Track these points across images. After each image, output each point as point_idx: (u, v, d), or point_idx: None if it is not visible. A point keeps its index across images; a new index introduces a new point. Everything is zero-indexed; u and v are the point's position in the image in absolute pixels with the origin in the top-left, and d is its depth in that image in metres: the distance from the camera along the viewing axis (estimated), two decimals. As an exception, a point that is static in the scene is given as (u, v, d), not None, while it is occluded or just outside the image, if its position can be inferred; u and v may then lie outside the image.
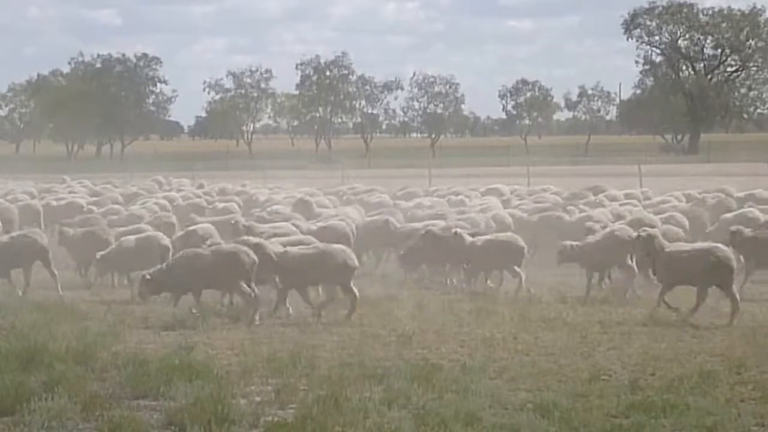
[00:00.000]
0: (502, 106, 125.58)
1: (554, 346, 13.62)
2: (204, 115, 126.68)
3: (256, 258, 15.78)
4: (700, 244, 17.01)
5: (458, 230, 18.97)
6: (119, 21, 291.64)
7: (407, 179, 40.55)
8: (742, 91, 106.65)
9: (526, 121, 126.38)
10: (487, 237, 18.99)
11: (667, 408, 10.34)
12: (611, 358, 12.94)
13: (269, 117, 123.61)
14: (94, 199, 30.53)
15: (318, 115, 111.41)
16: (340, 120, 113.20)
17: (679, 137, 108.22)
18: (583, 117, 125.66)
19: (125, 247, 18.70)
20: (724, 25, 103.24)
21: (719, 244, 16.46)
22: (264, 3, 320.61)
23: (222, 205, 27.45)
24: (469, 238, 18.66)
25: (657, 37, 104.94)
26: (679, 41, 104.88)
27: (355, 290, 15.89)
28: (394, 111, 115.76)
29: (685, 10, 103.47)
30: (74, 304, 16.91)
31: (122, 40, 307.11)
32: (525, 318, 15.46)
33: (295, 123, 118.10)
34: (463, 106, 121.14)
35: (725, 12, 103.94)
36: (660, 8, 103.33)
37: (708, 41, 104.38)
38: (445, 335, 14.44)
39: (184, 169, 51.54)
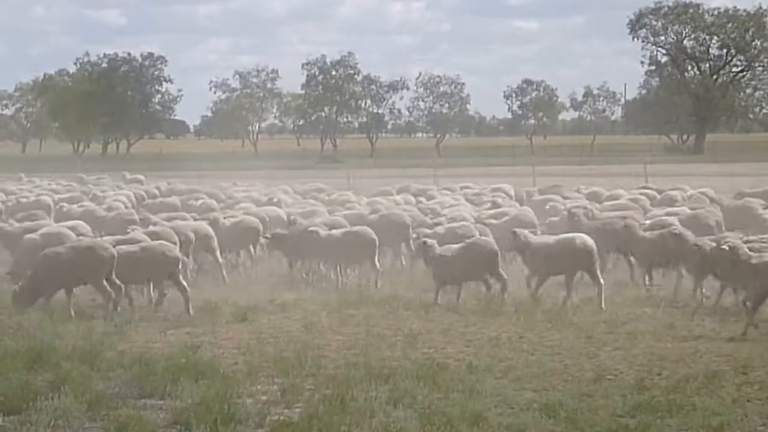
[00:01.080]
0: (507, 106, 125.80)
1: (560, 346, 13.61)
2: (209, 114, 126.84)
3: (115, 253, 16.15)
4: (564, 236, 17.45)
5: (315, 228, 19.53)
6: (124, 21, 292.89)
7: (412, 179, 40.55)
8: (748, 91, 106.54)
9: (531, 121, 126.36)
10: (342, 230, 19.58)
11: (673, 408, 10.35)
12: (617, 358, 12.93)
13: (275, 117, 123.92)
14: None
15: (323, 115, 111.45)
16: (345, 120, 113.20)
17: (685, 137, 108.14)
18: (589, 117, 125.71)
19: None
20: (729, 25, 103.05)
21: (581, 234, 17.12)
22: (269, 3, 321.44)
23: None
24: (324, 233, 19.20)
25: (662, 38, 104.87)
26: (685, 41, 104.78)
27: (184, 283, 16.31)
28: (399, 111, 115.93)
29: (691, 10, 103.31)
30: (80, 303, 16.92)
31: (128, 40, 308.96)
32: (530, 318, 15.45)
33: (301, 123, 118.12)
34: (468, 106, 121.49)
35: (731, 12, 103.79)
36: (665, 8, 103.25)
37: (713, 41, 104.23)
38: (450, 335, 14.44)
39: (190, 169, 51.55)
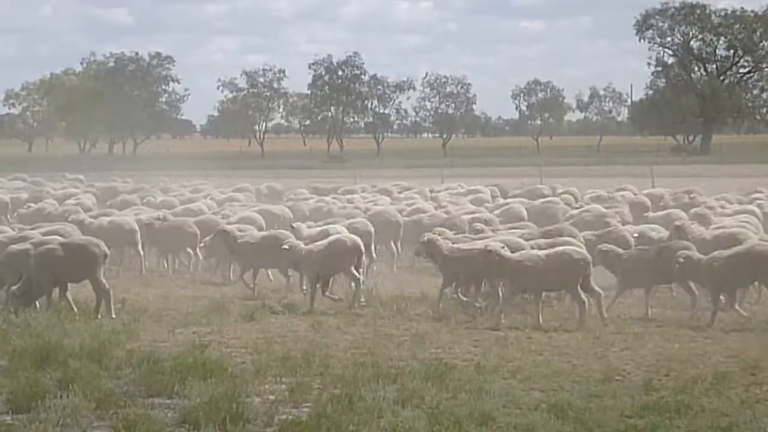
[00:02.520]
0: (515, 106, 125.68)
1: (568, 347, 13.62)
2: (216, 114, 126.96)
3: (107, 251, 16.27)
4: (475, 245, 16.94)
5: (225, 227, 19.65)
6: (132, 20, 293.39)
7: (418, 180, 40.60)
8: (755, 92, 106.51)
9: (538, 122, 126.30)
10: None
11: (682, 409, 10.33)
12: (625, 359, 12.92)
13: (281, 117, 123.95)
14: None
15: (330, 114, 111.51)
16: (351, 120, 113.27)
17: (691, 138, 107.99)
18: (595, 118, 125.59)
19: None
20: (736, 26, 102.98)
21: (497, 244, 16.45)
22: (276, 3, 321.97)
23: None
24: (238, 235, 19.15)
25: (669, 38, 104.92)
26: (692, 42, 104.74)
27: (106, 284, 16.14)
28: (405, 111, 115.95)
29: (698, 11, 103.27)
30: (87, 302, 16.94)
31: (135, 40, 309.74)
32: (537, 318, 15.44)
33: (307, 122, 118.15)
34: (474, 106, 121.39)
35: (738, 13, 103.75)
36: (672, 9, 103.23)
37: (720, 42, 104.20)
38: (458, 335, 14.45)
39: (197, 169, 51.58)
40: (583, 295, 15.27)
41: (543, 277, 15.37)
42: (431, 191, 31.36)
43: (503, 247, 16.06)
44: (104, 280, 16.17)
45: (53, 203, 27.36)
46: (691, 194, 28.82)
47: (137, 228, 21.29)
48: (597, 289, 15.50)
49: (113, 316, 15.61)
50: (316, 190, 33.09)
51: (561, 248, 15.95)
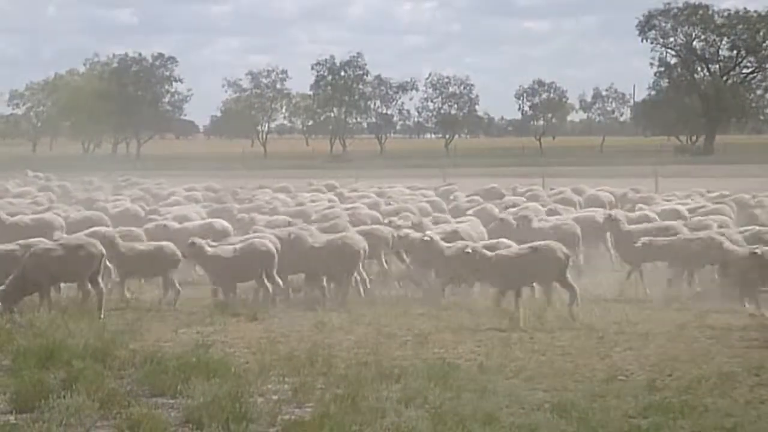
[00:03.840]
0: (518, 107, 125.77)
1: (571, 346, 13.61)
2: (219, 114, 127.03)
3: (103, 251, 16.32)
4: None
5: (164, 222, 20.01)
6: (136, 21, 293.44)
7: (420, 180, 40.61)
8: (758, 92, 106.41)
9: (541, 122, 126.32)
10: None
11: (686, 409, 10.30)
12: (628, 359, 12.92)
13: (284, 117, 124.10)
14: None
15: (332, 115, 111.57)
16: (354, 120, 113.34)
17: (694, 139, 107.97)
18: (598, 118, 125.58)
19: None
20: (739, 26, 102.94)
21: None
22: (279, 3, 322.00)
23: None
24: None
25: (672, 39, 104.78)
26: (695, 42, 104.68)
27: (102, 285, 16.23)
28: (408, 111, 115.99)
29: (701, 11, 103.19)
30: (92, 301, 16.96)
31: (139, 40, 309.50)
32: (541, 318, 15.44)
33: (310, 123, 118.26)
34: (477, 106, 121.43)
35: (741, 13, 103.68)
36: (675, 10, 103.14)
37: (724, 42, 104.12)
38: (461, 335, 14.45)
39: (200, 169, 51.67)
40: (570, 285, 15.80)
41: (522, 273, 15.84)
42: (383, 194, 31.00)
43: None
44: (101, 280, 16.20)
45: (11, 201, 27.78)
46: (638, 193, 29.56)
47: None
48: (574, 285, 15.91)
49: (101, 316, 15.65)
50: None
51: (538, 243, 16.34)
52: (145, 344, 13.63)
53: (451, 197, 29.60)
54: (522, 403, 10.66)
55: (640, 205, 25.90)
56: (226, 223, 21.27)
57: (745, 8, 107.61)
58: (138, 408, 10.36)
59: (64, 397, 10.56)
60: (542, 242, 16.84)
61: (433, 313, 15.93)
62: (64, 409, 10.24)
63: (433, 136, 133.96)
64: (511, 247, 17.20)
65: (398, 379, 11.51)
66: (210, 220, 22.04)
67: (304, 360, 12.39)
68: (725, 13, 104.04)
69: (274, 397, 10.90)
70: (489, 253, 16.48)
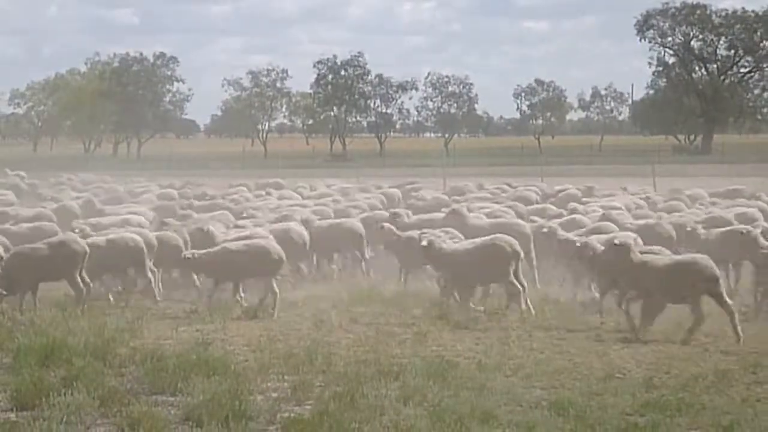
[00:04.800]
0: (516, 106, 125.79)
1: (569, 345, 13.66)
2: (219, 114, 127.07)
3: (87, 248, 16.38)
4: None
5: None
6: (136, 20, 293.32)
7: (420, 179, 40.63)
8: (756, 92, 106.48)
9: (540, 121, 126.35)
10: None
11: (683, 407, 10.35)
12: (626, 357, 12.97)
13: (284, 116, 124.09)
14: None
15: (332, 114, 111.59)
16: (354, 119, 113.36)
17: (692, 138, 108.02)
18: (596, 118, 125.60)
19: None
20: (737, 26, 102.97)
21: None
22: (280, 3, 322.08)
23: None
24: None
25: (670, 38, 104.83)
26: (692, 42, 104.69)
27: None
28: (408, 111, 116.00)
29: (698, 11, 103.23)
30: (92, 300, 17.02)
31: (139, 40, 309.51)
32: (540, 316, 15.49)
33: (310, 122, 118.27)
34: (476, 106, 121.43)
35: (739, 13, 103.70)
36: (673, 9, 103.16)
37: (721, 42, 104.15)
38: (460, 333, 14.51)
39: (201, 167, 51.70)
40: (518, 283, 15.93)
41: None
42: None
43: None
44: (80, 280, 16.25)
45: None
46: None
47: None
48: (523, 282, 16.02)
49: (80, 313, 15.70)
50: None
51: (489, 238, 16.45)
52: (145, 342, 13.66)
53: (415, 195, 30.23)
54: (520, 400, 10.71)
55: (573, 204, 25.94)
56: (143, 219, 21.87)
57: (742, 8, 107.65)
58: (138, 406, 10.40)
59: (64, 394, 10.61)
60: (489, 237, 16.84)
61: (432, 311, 15.97)
62: (65, 406, 10.28)
63: (432, 135, 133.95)
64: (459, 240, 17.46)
65: (397, 376, 11.56)
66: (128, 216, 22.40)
67: (304, 358, 12.43)
68: (723, 13, 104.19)
69: (274, 395, 10.95)
70: (446, 247, 16.60)
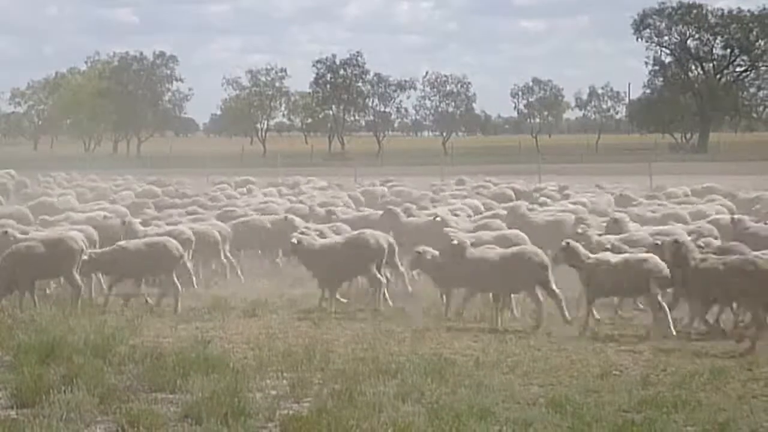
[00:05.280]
0: (513, 105, 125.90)
1: (566, 342, 13.70)
2: (219, 113, 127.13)
3: (84, 246, 16.43)
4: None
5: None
6: (136, 20, 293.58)
7: (418, 177, 40.67)
8: (752, 90, 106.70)
9: (537, 120, 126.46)
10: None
11: (679, 404, 10.38)
12: (622, 354, 13.02)
13: (283, 115, 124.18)
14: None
15: (331, 113, 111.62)
16: (352, 118, 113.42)
17: (689, 136, 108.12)
18: (593, 116, 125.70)
19: None
20: (733, 25, 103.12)
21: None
22: (279, 2, 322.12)
23: None
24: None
25: (666, 38, 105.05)
26: (689, 41, 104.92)
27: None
28: (406, 110, 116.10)
29: (695, 11, 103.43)
30: (92, 298, 17.07)
31: (139, 39, 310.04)
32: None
33: (309, 121, 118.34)
34: (474, 105, 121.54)
35: (734, 13, 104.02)
36: (669, 9, 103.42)
37: (717, 42, 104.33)
38: (458, 331, 14.56)
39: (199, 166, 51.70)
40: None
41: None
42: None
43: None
44: (78, 277, 16.29)
45: None
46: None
47: None
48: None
49: (79, 311, 15.74)
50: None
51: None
52: (144, 340, 13.72)
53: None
54: (517, 398, 10.75)
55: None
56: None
57: (738, 8, 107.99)
58: (137, 403, 10.45)
59: (64, 392, 10.65)
60: (356, 232, 17.23)
61: (430, 309, 16.02)
62: (65, 404, 10.33)
63: (430, 134, 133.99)
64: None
65: (395, 374, 11.60)
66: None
67: (302, 356, 12.48)
68: (719, 13, 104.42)
69: (273, 393, 10.99)
70: (315, 243, 16.79)
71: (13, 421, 9.96)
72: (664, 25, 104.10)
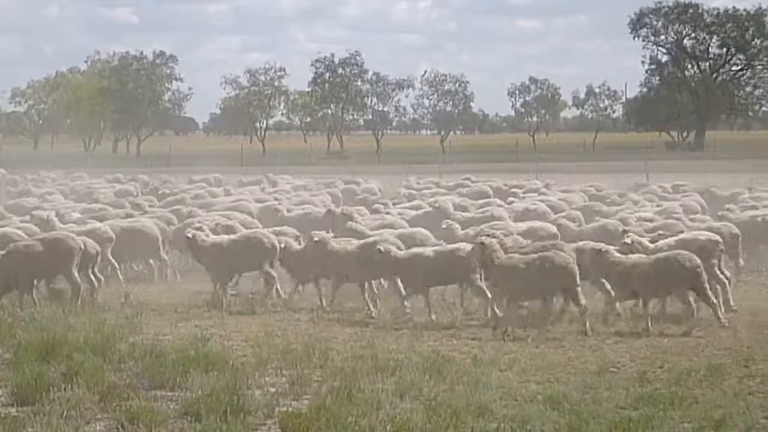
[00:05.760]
0: (511, 104, 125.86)
1: (563, 339, 13.77)
2: (218, 112, 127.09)
3: (83, 244, 16.49)
4: None
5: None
6: (136, 19, 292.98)
7: (417, 176, 40.66)
8: (747, 89, 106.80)
9: (534, 119, 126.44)
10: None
11: (676, 400, 10.42)
12: (620, 351, 13.08)
13: (282, 114, 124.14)
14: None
15: (330, 112, 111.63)
16: (351, 117, 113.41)
17: (685, 135, 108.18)
18: (590, 115, 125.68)
19: None
20: (729, 25, 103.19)
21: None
22: (278, 2, 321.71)
23: None
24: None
25: (663, 37, 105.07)
26: (685, 41, 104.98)
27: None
28: (404, 108, 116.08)
29: (691, 10, 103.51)
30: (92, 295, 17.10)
31: (139, 38, 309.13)
32: (534, 312, 15.57)
33: (308, 120, 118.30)
34: (472, 103, 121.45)
35: (730, 12, 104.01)
36: (666, 8, 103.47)
37: (713, 41, 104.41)
38: (456, 328, 14.61)
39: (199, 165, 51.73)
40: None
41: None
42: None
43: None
44: (77, 275, 16.32)
45: None
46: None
47: None
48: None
49: (79, 309, 15.79)
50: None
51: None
52: (144, 338, 13.75)
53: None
54: (515, 395, 10.80)
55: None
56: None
57: (734, 7, 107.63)
58: (137, 401, 10.49)
59: (64, 390, 10.69)
60: (248, 231, 17.64)
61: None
62: (65, 401, 10.37)
63: (428, 132, 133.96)
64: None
65: (393, 371, 11.64)
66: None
67: (301, 353, 12.52)
68: (715, 12, 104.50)
69: (272, 390, 11.02)
70: (208, 240, 17.05)
71: (14, 419, 9.99)
72: (660, 24, 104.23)
